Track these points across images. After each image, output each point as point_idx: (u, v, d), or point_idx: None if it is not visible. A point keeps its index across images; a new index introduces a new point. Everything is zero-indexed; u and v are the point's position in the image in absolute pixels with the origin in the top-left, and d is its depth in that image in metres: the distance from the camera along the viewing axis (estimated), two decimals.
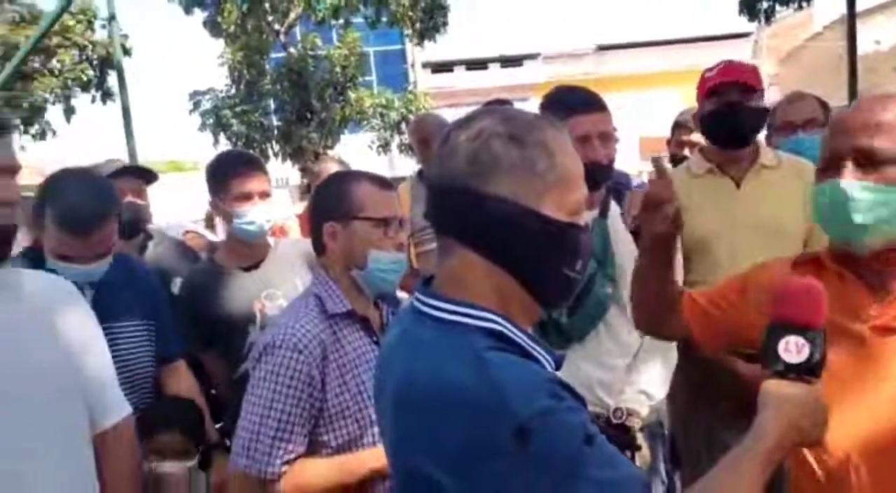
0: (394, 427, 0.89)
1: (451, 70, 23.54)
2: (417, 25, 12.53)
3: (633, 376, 1.82)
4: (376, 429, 1.45)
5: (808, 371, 0.94)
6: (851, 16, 8.29)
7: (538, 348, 0.88)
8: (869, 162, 1.10)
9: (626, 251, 1.85)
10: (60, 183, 1.74)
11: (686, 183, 2.21)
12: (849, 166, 1.12)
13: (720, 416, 1.93)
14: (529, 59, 23.51)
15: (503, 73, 22.93)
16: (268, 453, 1.39)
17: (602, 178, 1.84)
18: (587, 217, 1.82)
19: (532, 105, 2.01)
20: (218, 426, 2.08)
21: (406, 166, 13.45)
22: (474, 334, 0.84)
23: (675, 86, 16.46)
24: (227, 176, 2.10)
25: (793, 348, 0.94)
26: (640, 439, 1.73)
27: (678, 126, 3.14)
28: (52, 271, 1.63)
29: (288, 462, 1.40)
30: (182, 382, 2.01)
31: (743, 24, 11.12)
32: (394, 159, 14.28)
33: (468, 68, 23.74)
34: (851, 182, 1.11)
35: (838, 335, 1.05)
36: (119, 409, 1.45)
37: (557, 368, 0.91)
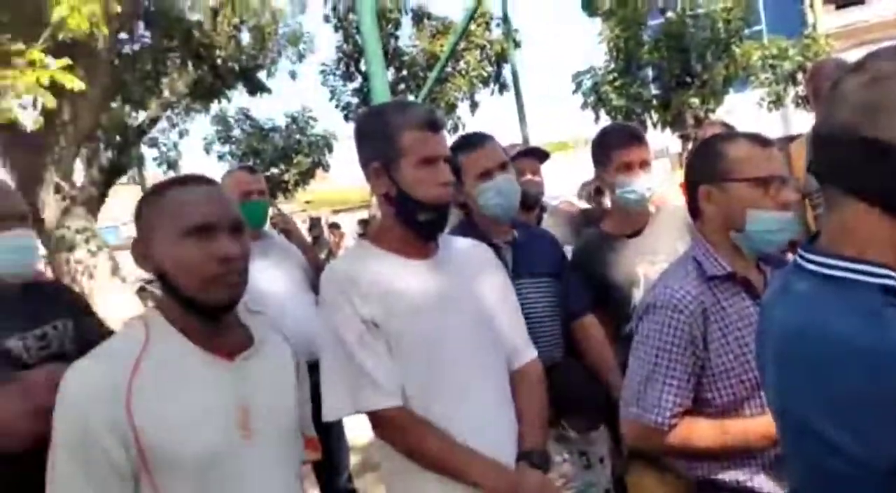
0: (778, 381, 0.88)
1: (863, 1, 19.78)
2: None
3: None
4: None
5: None
6: None
7: None
8: None
9: None
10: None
11: None
12: None
13: None
14: None
15: None
16: (656, 404, 1.48)
17: None
18: None
19: None
20: None
21: (802, 122, 11.92)
22: (867, 290, 0.80)
23: None
24: (610, 148, 2.23)
25: None
26: None
27: None
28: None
29: (675, 415, 1.47)
30: (592, 334, 2.15)
31: None
32: (788, 115, 12.78)
33: None
34: None
35: None
36: (528, 353, 1.72)
37: None
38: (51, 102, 4.50)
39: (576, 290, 2.17)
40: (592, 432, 1.96)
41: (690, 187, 1.59)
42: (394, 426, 1.51)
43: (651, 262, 2.17)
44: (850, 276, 0.82)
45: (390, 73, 13.65)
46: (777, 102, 12.51)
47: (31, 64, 4.41)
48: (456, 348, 1.54)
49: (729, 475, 1.50)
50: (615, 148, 2.22)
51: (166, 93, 9.96)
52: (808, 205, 2.77)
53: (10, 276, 1.69)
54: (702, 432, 1.47)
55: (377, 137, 1.56)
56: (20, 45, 4.47)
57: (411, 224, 1.57)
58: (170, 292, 1.23)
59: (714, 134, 1.83)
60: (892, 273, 0.80)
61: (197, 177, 1.30)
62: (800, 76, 11.78)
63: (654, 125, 12.93)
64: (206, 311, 1.22)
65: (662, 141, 13.76)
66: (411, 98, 12.18)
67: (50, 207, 5.33)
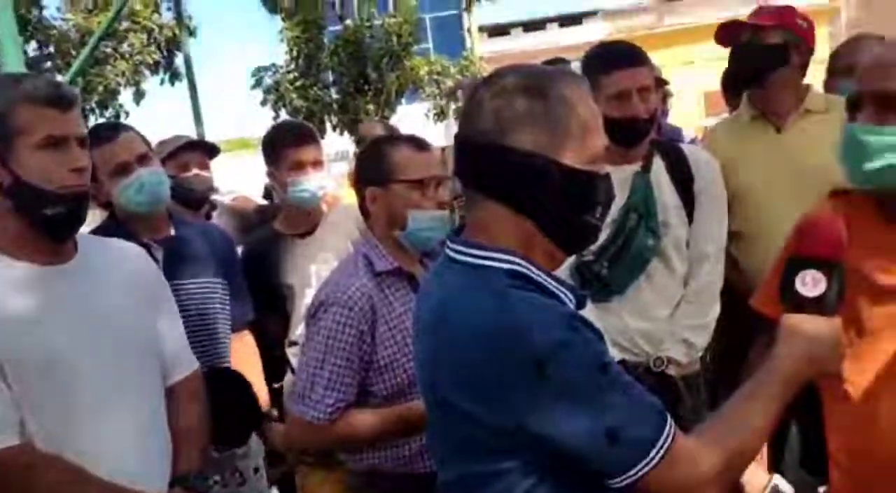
0: (424, 361, 0.97)
1: (508, 33, 23.13)
2: None
3: (675, 326, 1.84)
4: None
5: (824, 305, 0.95)
6: None
7: (560, 287, 0.94)
8: (886, 105, 1.08)
9: (669, 205, 1.86)
10: None
11: (733, 132, 2.19)
12: (866, 110, 1.10)
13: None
14: (588, 17, 22.82)
15: (562, 33, 22.36)
16: (320, 400, 1.49)
17: (643, 132, 1.84)
18: (629, 171, 1.85)
19: None
20: (277, 385, 2.18)
21: None
22: (497, 275, 0.90)
23: None
24: (281, 146, 2.18)
25: (809, 282, 0.95)
26: (682, 388, 1.76)
27: None
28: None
29: (338, 409, 1.50)
30: (239, 348, 2.04)
31: None
32: (451, 127, 14.27)
33: (526, 30, 23.27)
34: (863, 126, 1.09)
35: (866, 270, 1.05)
36: (188, 364, 1.57)
37: (580, 306, 0.97)
38: None
39: (238, 295, 2.07)
40: (237, 449, 1.90)
41: (359, 188, 1.64)
42: (6, 470, 1.24)
43: (324, 261, 2.17)
44: (484, 262, 0.92)
45: (31, 47, 11.63)
46: (441, 114, 13.86)
47: None
48: (93, 367, 1.33)
49: (388, 462, 1.58)
50: (287, 146, 2.18)
51: None
52: (456, 205, 3.08)
53: None
54: (361, 422, 1.52)
55: None
56: None
57: (36, 220, 1.31)
58: None
59: (378, 137, 1.90)
60: (517, 260, 0.92)
61: None
62: (460, 93, 13.21)
63: (335, 128, 13.29)
64: None
65: (342, 144, 14.22)
66: (60, 78, 10.54)
67: None
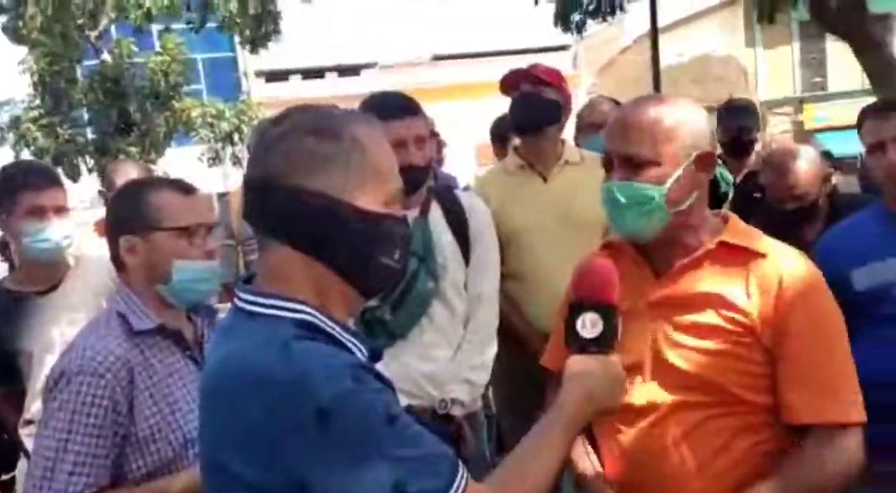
0: (201, 421, 0.90)
1: (287, 79, 23.02)
2: (247, 33, 12.04)
3: (457, 366, 1.88)
4: (193, 449, 1.38)
5: (603, 345, 1.01)
6: (654, 31, 9.17)
7: (350, 338, 0.90)
8: (631, 164, 1.19)
9: (446, 248, 1.92)
10: None
11: (503, 179, 2.37)
12: (616, 168, 1.21)
13: (544, 400, 2.04)
14: (366, 69, 23.60)
15: (340, 82, 22.80)
16: (63, 488, 1.28)
17: (420, 180, 1.89)
18: (409, 216, 1.88)
19: None
20: (7, 476, 1.86)
21: (240, 179, 12.86)
22: (284, 325, 0.85)
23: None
24: (15, 189, 1.91)
25: (588, 325, 1.01)
26: (465, 428, 1.80)
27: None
28: None
29: None
30: None
31: (563, 36, 11.82)
32: (227, 171, 13.67)
33: (304, 77, 23.35)
34: (616, 184, 1.20)
35: (629, 312, 1.15)
36: None
37: (375, 357, 0.93)
38: None
39: None
40: None
41: (112, 237, 1.46)
42: None
43: (71, 322, 1.89)
44: (269, 311, 0.86)
45: None
46: (216, 158, 13.22)
47: None
48: None
49: None
50: (22, 189, 1.91)
51: None
52: (240, 252, 2.92)
53: None
54: None
55: None
56: None
57: None
58: None
59: (135, 180, 1.74)
60: (306, 308, 0.87)
61: None
62: (237, 136, 12.74)
63: (91, 171, 12.02)
64: None
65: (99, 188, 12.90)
66: None
67: None
